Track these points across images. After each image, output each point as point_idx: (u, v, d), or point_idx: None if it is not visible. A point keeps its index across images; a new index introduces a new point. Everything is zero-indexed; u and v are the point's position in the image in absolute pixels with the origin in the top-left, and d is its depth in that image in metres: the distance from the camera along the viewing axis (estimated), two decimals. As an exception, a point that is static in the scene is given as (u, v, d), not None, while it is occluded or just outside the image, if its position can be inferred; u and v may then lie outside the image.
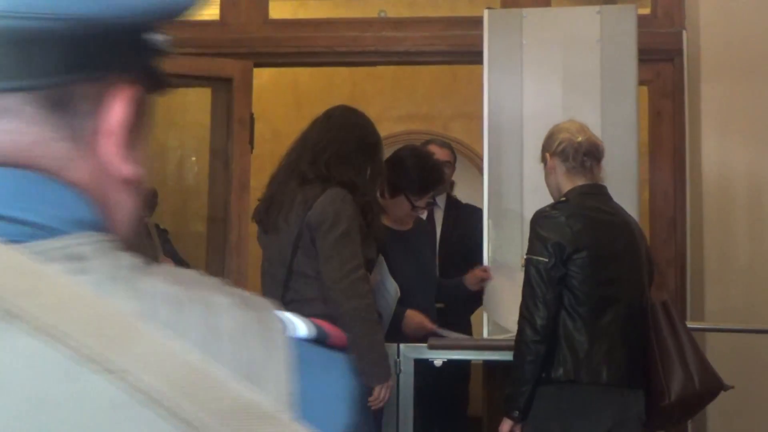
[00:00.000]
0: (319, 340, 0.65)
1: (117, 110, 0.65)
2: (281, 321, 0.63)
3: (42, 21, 0.59)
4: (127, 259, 0.62)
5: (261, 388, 0.57)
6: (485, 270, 3.85)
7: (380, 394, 3.05)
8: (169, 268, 0.64)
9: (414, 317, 3.67)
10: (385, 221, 3.63)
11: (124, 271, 0.60)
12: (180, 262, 4.61)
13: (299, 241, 3.05)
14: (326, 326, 0.66)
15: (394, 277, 3.55)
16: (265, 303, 0.64)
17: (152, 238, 4.53)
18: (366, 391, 3.01)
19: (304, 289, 3.07)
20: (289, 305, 3.09)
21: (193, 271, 0.66)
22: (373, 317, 3.02)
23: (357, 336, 2.96)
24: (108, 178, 0.66)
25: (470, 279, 3.88)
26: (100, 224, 0.64)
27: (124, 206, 0.69)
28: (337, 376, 0.64)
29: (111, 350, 0.54)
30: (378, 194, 3.64)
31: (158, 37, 0.67)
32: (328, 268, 2.98)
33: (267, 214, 3.16)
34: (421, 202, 3.72)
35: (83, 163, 0.64)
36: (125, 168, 0.66)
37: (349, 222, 3.01)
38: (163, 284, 0.60)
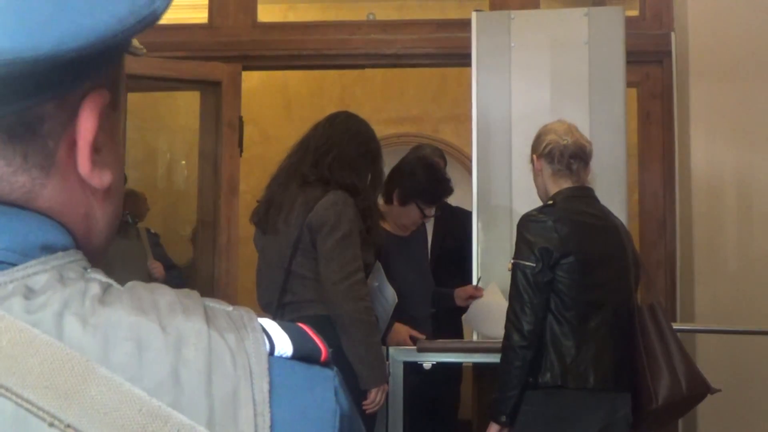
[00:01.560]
0: (308, 358, 0.61)
1: (87, 122, 0.61)
2: (264, 341, 0.59)
3: (10, 65, 0.54)
4: (87, 285, 0.58)
5: (233, 428, 0.54)
6: (477, 289, 3.86)
7: (376, 397, 3.04)
8: (136, 290, 0.60)
9: (400, 331, 3.68)
10: (386, 227, 3.66)
11: (79, 304, 0.56)
12: (171, 266, 4.60)
13: (299, 243, 3.05)
14: (316, 339, 0.62)
15: (397, 282, 3.56)
16: (246, 319, 0.60)
17: (142, 242, 4.52)
18: (361, 394, 3.00)
19: (302, 291, 3.06)
20: (286, 307, 3.09)
21: (167, 290, 0.61)
22: (370, 320, 3.02)
23: (354, 339, 2.96)
24: (82, 193, 0.63)
25: (461, 294, 3.91)
26: (68, 242, 0.61)
27: (101, 217, 0.65)
28: (323, 398, 0.60)
29: (55, 403, 0.51)
30: (384, 201, 3.70)
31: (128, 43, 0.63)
32: (327, 271, 2.98)
33: (266, 215, 3.16)
34: (430, 211, 3.82)
35: (53, 187, 0.61)
36: (98, 179, 0.63)
37: (350, 225, 3.01)
38: (123, 315, 0.56)
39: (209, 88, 4.79)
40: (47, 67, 0.56)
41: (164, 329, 0.56)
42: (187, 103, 5.27)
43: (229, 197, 4.70)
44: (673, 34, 4.53)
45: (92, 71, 0.61)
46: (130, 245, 4.45)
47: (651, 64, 4.60)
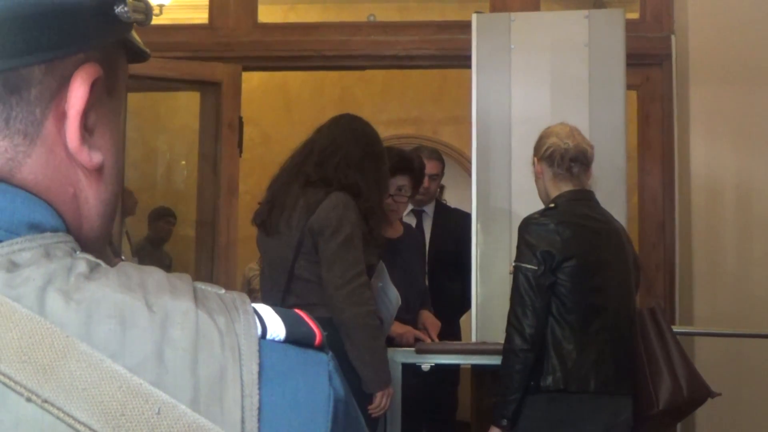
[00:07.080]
0: (302, 342, 0.59)
1: (77, 91, 0.60)
2: (255, 324, 0.57)
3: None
4: (74, 262, 0.57)
5: (218, 408, 0.53)
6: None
7: (381, 401, 3.02)
8: (126, 268, 0.59)
9: (396, 328, 3.66)
10: None
11: (63, 279, 0.55)
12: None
13: (301, 246, 3.01)
14: (311, 323, 0.61)
15: None
16: (239, 302, 0.59)
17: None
18: (365, 398, 2.98)
19: (306, 293, 3.03)
20: None
21: (158, 270, 0.60)
22: (374, 324, 2.99)
23: (358, 343, 2.94)
24: (71, 170, 0.62)
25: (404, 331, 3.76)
26: (58, 224, 0.60)
27: (93, 200, 0.64)
28: (315, 382, 0.58)
29: (33, 378, 0.50)
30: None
31: (121, 9, 0.62)
32: (330, 275, 2.95)
33: (269, 216, 3.12)
34: (392, 187, 3.65)
35: (38, 157, 0.60)
36: (87, 156, 0.62)
37: (352, 228, 2.98)
38: (109, 292, 0.55)
39: (209, 88, 4.79)
40: (35, 23, 0.56)
41: (150, 308, 0.55)
42: (187, 104, 5.27)
43: (229, 198, 4.70)
44: (673, 37, 4.54)
45: (81, 39, 0.60)
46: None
47: (651, 66, 4.60)
